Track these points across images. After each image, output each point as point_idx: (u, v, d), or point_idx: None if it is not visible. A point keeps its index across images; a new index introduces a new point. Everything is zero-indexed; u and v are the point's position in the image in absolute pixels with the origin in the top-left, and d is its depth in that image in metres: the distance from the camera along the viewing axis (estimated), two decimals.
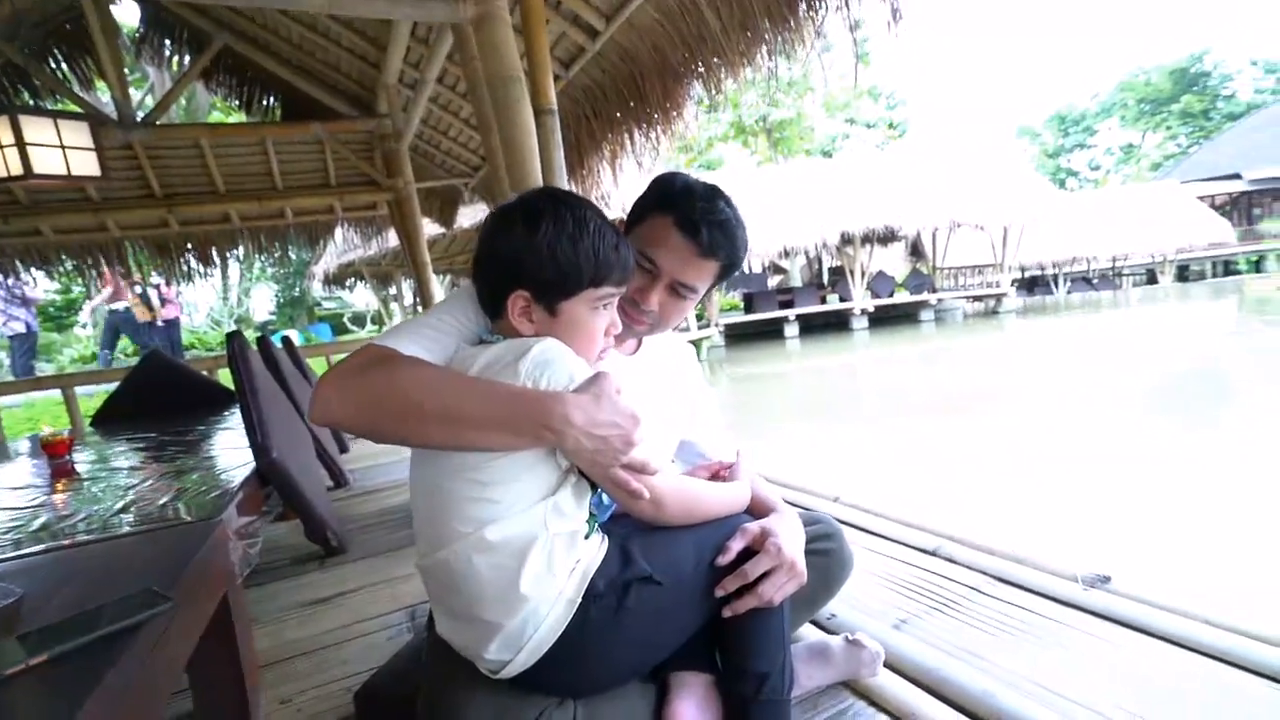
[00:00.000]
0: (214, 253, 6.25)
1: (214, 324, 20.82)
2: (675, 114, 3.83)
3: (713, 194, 1.00)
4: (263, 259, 6.78)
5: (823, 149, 26.46)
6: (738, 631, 0.94)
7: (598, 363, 0.92)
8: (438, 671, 0.91)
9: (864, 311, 15.77)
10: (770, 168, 19.91)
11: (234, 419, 2.75)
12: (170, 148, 4.87)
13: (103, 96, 7.53)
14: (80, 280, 5.91)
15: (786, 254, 15.18)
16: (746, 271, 18.91)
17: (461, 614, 0.85)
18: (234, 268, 8.61)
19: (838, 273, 17.54)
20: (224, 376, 4.29)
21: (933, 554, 1.65)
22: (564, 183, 2.25)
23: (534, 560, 0.80)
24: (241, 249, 6.30)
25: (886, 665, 1.16)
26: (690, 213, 0.96)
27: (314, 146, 5.25)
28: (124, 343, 9.59)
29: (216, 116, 14.12)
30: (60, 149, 3.12)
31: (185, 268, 6.32)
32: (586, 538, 0.86)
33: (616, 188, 4.91)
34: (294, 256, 7.22)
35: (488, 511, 0.80)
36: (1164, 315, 13.69)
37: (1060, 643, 1.24)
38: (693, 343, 12.27)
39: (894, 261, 19.75)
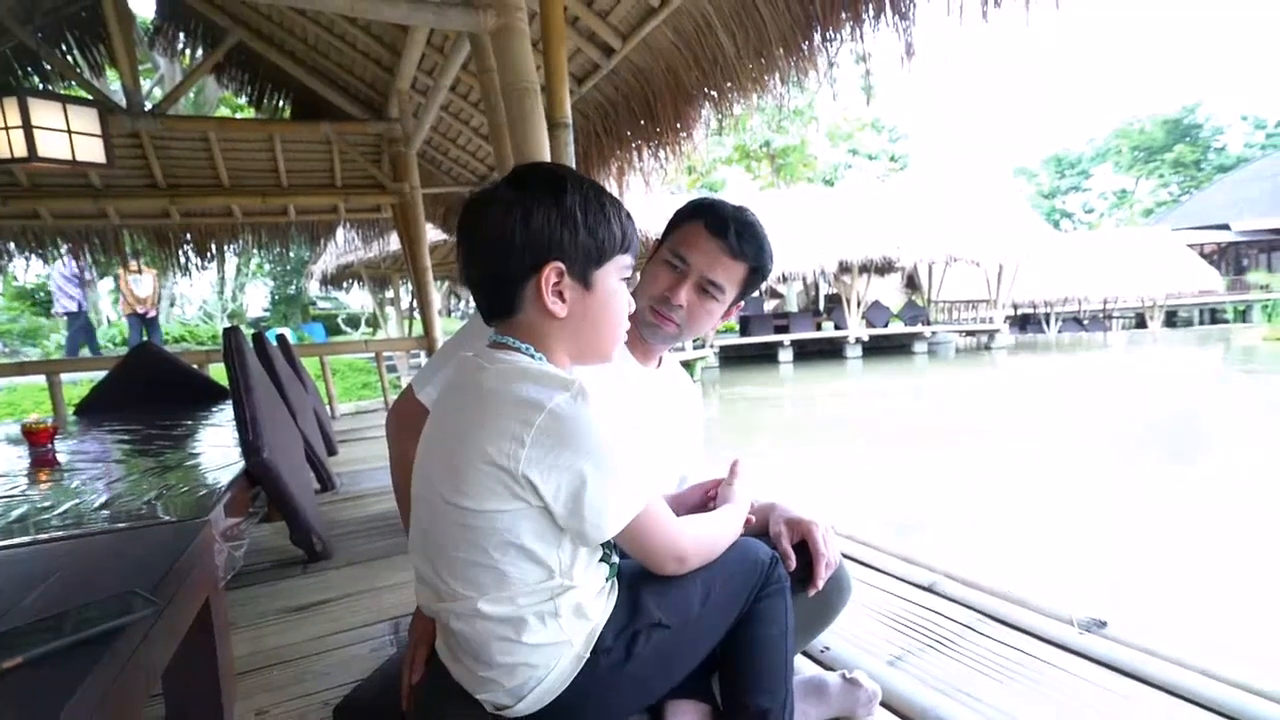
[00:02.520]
0: (212, 245, 6.23)
1: (206, 317, 20.67)
2: (685, 135, 3.86)
3: (741, 207, 1.07)
4: (262, 255, 6.76)
5: (825, 177, 26.77)
6: (741, 664, 0.92)
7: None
8: (434, 689, 0.88)
9: (858, 340, 15.85)
10: (772, 193, 20.11)
11: (223, 415, 2.71)
12: (177, 139, 4.85)
13: (112, 84, 7.53)
14: (75, 266, 5.84)
15: (784, 279, 15.29)
16: None
17: (461, 658, 0.82)
18: (231, 262, 8.55)
19: (834, 300, 17.65)
20: (215, 372, 4.23)
21: (928, 589, 1.63)
22: None
23: (538, 630, 0.76)
24: (241, 244, 6.27)
25: (882, 704, 1.14)
26: (720, 217, 1.03)
27: (322, 146, 5.26)
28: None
29: (224, 111, 14.17)
30: (67, 134, 3.10)
31: (182, 259, 6.28)
32: (602, 593, 0.83)
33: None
34: (293, 255, 7.20)
35: (490, 579, 0.75)
36: (1152, 360, 13.83)
37: (1055, 686, 1.22)
38: (686, 364, 12.29)
39: (890, 292, 19.93)
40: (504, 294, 0.79)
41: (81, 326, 8.30)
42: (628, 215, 0.84)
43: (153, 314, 8.60)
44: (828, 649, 1.36)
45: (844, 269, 15.09)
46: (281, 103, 5.22)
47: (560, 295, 0.78)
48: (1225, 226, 25.06)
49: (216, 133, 4.97)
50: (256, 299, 24.61)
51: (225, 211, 5.73)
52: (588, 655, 0.79)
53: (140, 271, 8.18)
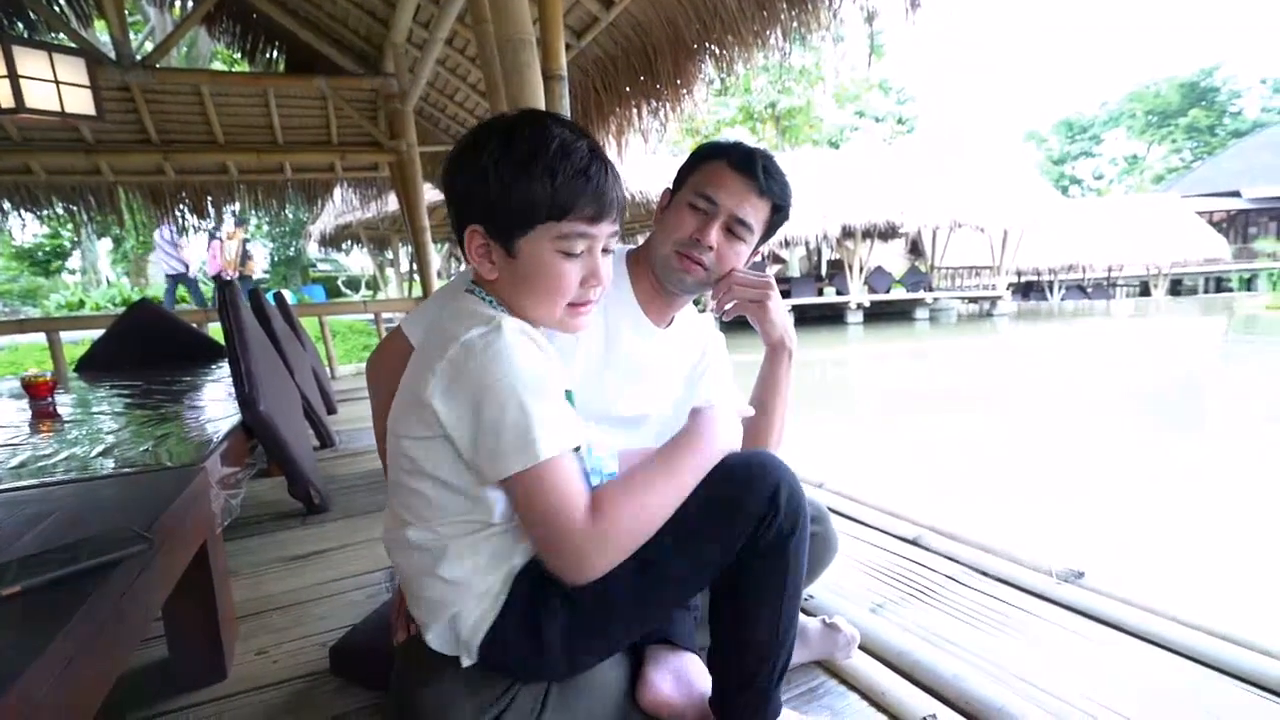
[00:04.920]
0: (209, 204, 6.16)
1: (205, 278, 20.57)
2: (685, 92, 3.78)
3: (759, 149, 1.04)
4: (259, 214, 6.68)
5: (830, 140, 26.25)
6: (731, 634, 0.86)
7: (579, 319, 0.81)
8: (412, 642, 0.89)
9: (859, 306, 15.78)
10: (777, 155, 19.72)
11: (222, 372, 2.73)
12: (169, 92, 4.76)
13: (101, 36, 7.34)
14: (70, 224, 5.79)
15: (787, 244, 15.12)
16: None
17: (408, 600, 0.84)
18: (229, 222, 8.54)
19: (836, 266, 17.50)
20: (214, 331, 4.24)
21: (913, 543, 1.66)
22: None
23: (455, 565, 0.76)
24: (238, 203, 6.19)
25: (861, 647, 1.17)
26: (745, 153, 1.00)
27: (317, 102, 5.16)
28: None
29: (219, 66, 13.83)
30: (54, 84, 3.04)
31: (179, 218, 6.22)
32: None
33: (622, 162, 4.86)
34: (291, 215, 7.12)
35: (418, 505, 0.77)
36: (1153, 329, 13.79)
37: (1031, 633, 1.26)
38: None
39: (893, 258, 19.73)
40: (460, 243, 0.80)
41: (190, 286, 9.02)
42: (583, 170, 0.74)
43: (235, 275, 9.17)
44: (811, 597, 1.40)
45: (847, 234, 14.92)
46: (275, 55, 5.10)
47: (487, 257, 0.78)
48: (1236, 194, 24.68)
49: (209, 86, 4.86)
50: (256, 260, 24.45)
51: (220, 169, 5.65)
52: (506, 596, 0.77)
53: (230, 237, 9.00)
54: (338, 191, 6.63)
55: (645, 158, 5.07)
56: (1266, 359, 9.20)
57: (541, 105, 2.12)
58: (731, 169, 0.99)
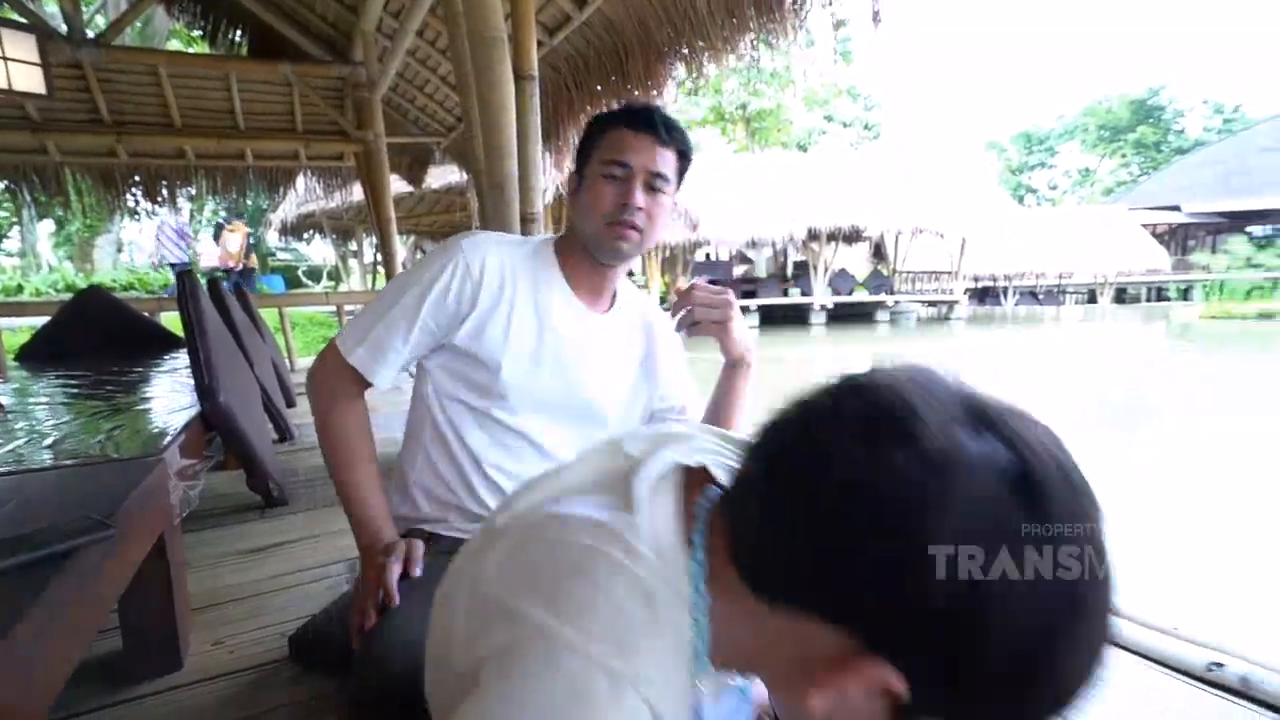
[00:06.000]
0: (163, 188, 5.96)
1: (157, 265, 19.80)
2: (656, 93, 3.82)
3: (646, 105, 1.05)
4: (217, 200, 6.50)
5: (799, 143, 26.66)
6: None
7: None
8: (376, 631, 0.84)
9: (823, 307, 16.11)
10: (746, 156, 19.97)
11: (177, 362, 2.67)
12: (123, 72, 4.58)
13: (49, 7, 7.02)
14: (11, 204, 5.53)
15: (754, 245, 15.32)
16: (713, 259, 19.04)
17: None
18: (184, 208, 8.30)
19: (801, 267, 17.82)
20: (167, 320, 4.11)
21: None
22: (538, 150, 2.24)
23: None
24: (195, 188, 6.01)
25: None
26: (638, 112, 1.00)
27: (281, 88, 5.04)
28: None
29: (175, 45, 13.32)
30: (1, 60, 2.92)
31: (131, 202, 6.01)
32: None
33: None
34: (250, 203, 6.95)
35: None
36: (1096, 335, 14.43)
37: None
38: None
39: (857, 261, 20.18)
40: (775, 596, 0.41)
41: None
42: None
43: (239, 268, 9.71)
44: None
45: (813, 236, 15.21)
46: (238, 38, 4.96)
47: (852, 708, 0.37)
48: (1177, 208, 25.92)
49: (167, 67, 4.70)
50: (211, 248, 23.63)
51: (177, 153, 5.47)
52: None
53: (234, 230, 9.55)
54: (301, 180, 6.48)
55: None
56: (1197, 364, 9.74)
57: (512, 104, 2.14)
58: (632, 130, 0.99)
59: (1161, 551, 2.90)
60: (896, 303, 17.74)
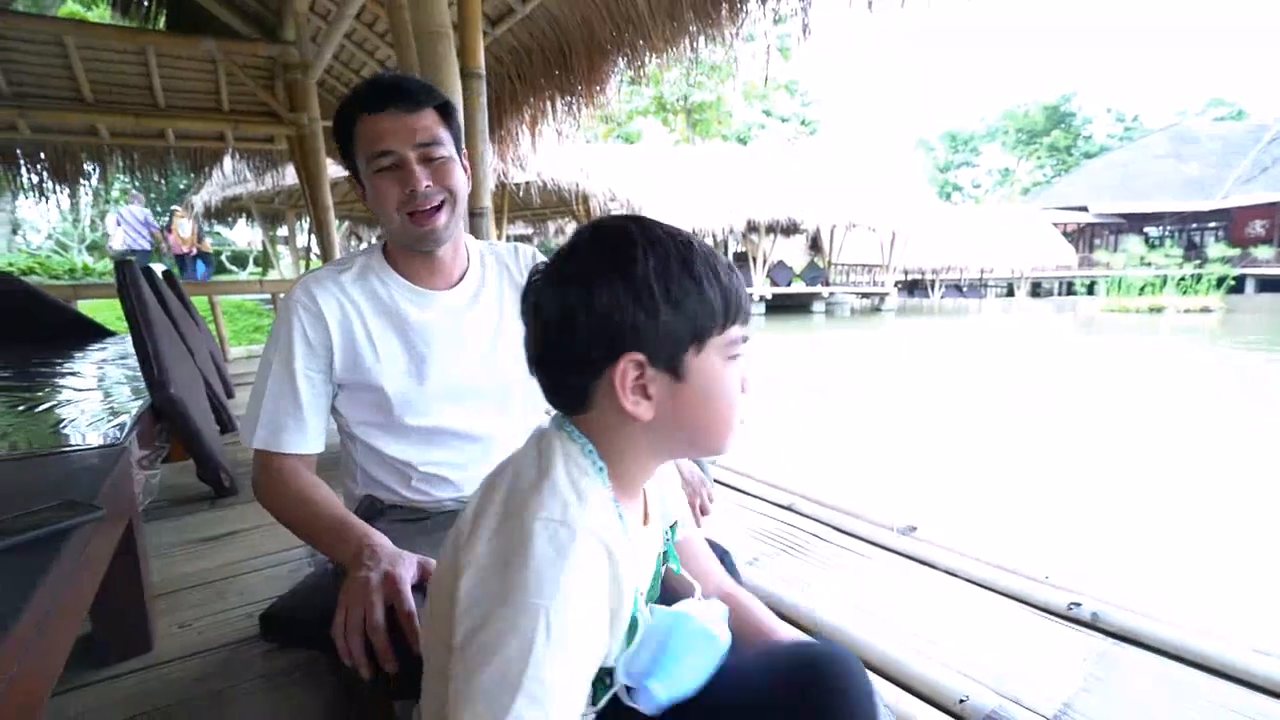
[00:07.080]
0: (68, 166, 5.60)
1: (60, 247, 18.34)
2: (598, 87, 3.91)
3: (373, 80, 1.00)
4: (135, 182, 6.14)
5: (739, 135, 27.17)
6: None
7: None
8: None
9: (762, 298, 16.60)
10: (687, 148, 20.22)
11: (103, 354, 2.60)
12: (23, 41, 4.27)
13: None
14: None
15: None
16: None
17: None
18: (90, 187, 7.74)
19: (741, 259, 18.28)
20: (85, 307, 3.90)
21: (787, 508, 1.94)
22: (487, 148, 2.30)
23: None
24: (109, 167, 5.67)
25: None
26: (370, 97, 0.96)
27: (205, 65, 4.81)
28: None
29: (72, 10, 12.33)
30: None
31: (33, 180, 5.61)
32: None
33: (535, 153, 4.91)
34: (165, 184, 6.59)
35: None
36: (1010, 325, 15.53)
37: (876, 577, 1.55)
38: None
39: (794, 253, 20.84)
40: (566, 388, 0.63)
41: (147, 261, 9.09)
42: (728, 267, 0.62)
43: (193, 252, 10.79)
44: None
45: (752, 228, 15.62)
46: (155, 10, 4.70)
47: (644, 392, 0.60)
48: (1084, 208, 27.97)
49: (74, 38, 4.40)
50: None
51: (89, 129, 5.15)
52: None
53: (180, 216, 10.74)
54: (228, 161, 6.21)
55: (557, 147, 5.15)
56: (1099, 350, 10.70)
57: (459, 103, 2.19)
58: (375, 115, 0.95)
59: (1046, 508, 3.28)
60: (831, 294, 18.47)
